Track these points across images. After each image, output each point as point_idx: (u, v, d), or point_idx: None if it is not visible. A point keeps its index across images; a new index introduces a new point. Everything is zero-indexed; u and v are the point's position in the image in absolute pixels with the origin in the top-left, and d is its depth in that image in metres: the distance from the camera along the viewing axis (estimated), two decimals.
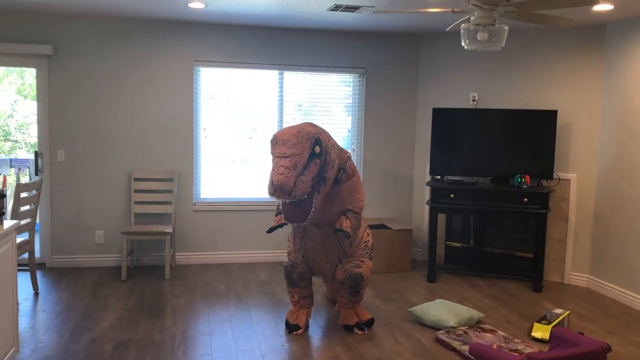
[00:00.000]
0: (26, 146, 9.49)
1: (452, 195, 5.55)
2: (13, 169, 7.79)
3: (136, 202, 5.83)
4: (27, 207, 4.77)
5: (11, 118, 9.61)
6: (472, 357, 3.46)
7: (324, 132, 3.87)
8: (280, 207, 3.75)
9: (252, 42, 6.04)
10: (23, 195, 4.63)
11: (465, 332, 4.20)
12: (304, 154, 3.60)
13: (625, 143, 5.13)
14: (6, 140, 9.62)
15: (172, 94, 5.92)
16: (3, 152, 9.41)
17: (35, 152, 5.73)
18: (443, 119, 5.80)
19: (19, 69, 9.06)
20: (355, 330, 4.24)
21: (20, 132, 9.68)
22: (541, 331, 4.18)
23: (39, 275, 5.40)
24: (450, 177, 5.83)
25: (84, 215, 5.83)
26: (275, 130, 6.22)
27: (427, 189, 6.16)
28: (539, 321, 4.28)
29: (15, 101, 9.61)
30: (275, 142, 3.69)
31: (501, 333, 4.23)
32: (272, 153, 3.71)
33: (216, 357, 3.78)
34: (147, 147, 5.91)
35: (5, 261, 3.28)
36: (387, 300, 5.06)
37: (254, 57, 6.06)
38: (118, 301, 4.82)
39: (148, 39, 5.81)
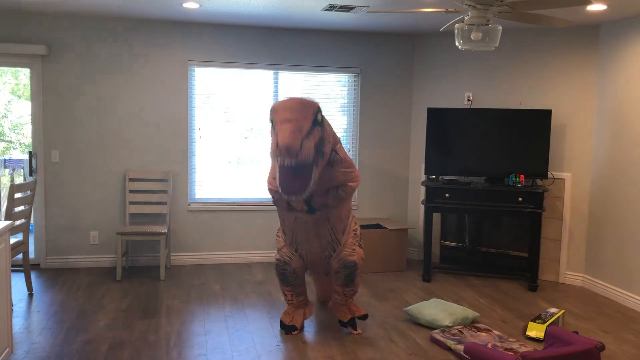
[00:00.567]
0: (20, 146, 9.46)
1: (447, 195, 5.56)
2: (7, 170, 7.75)
3: (131, 203, 5.82)
4: (21, 208, 4.75)
5: (5, 118, 9.58)
6: (467, 356, 3.46)
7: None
8: (277, 181, 3.55)
9: (247, 42, 6.04)
10: (17, 195, 4.61)
11: (460, 332, 4.21)
12: (307, 119, 3.50)
13: (620, 142, 5.15)
14: (0, 140, 9.59)
15: (166, 94, 5.91)
16: None
17: (30, 153, 5.72)
18: (438, 118, 5.81)
19: (13, 69, 9.02)
20: (350, 329, 4.23)
21: (14, 132, 9.64)
22: (536, 330, 4.20)
23: (33, 276, 5.38)
24: (445, 177, 5.84)
25: (79, 216, 5.81)
26: (269, 130, 6.21)
27: (422, 189, 6.17)
28: (533, 320, 4.30)
29: (9, 101, 9.57)
30: (277, 109, 3.57)
31: (496, 332, 4.24)
32: (273, 120, 3.56)
33: (211, 357, 3.77)
34: (142, 148, 5.89)
35: (0, 262, 3.27)
36: (382, 299, 5.07)
37: (249, 57, 6.05)
38: (113, 302, 4.81)
39: (142, 39, 5.80)
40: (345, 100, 6.40)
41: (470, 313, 4.50)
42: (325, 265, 4.23)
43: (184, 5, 4.94)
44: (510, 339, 4.10)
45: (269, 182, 4.01)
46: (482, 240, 6.17)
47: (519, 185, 5.41)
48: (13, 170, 7.72)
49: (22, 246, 4.80)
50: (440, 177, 5.83)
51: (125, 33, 5.76)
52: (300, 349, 3.95)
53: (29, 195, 4.86)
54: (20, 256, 4.87)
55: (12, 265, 5.15)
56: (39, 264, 5.77)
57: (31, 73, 5.64)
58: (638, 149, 4.94)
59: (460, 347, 3.87)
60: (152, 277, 5.57)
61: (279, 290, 5.20)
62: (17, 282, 5.10)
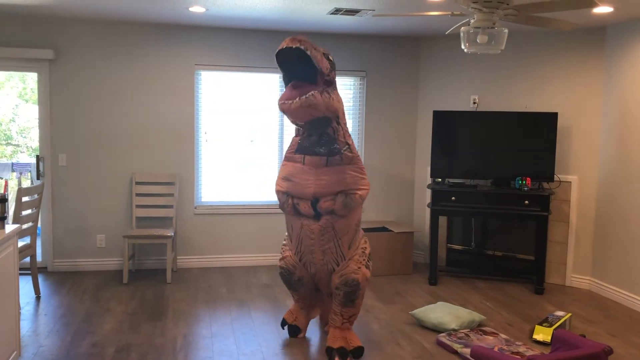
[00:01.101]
0: (27, 150, 9.51)
1: (453, 198, 5.55)
2: (15, 173, 7.80)
3: (137, 206, 5.84)
4: (28, 211, 4.77)
5: (13, 122, 9.63)
6: None
7: None
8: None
9: (252, 46, 6.05)
10: (25, 199, 4.64)
11: (467, 335, 4.20)
12: (318, 47, 3.56)
13: (626, 145, 5.13)
14: (7, 144, 9.64)
15: (173, 98, 5.93)
16: (4, 156, 9.42)
17: (37, 156, 5.75)
18: (444, 121, 5.81)
19: (20, 73, 9.07)
20: (335, 356, 3.76)
21: (21, 136, 9.70)
22: (543, 334, 4.18)
23: (40, 279, 5.41)
24: (451, 180, 5.83)
25: (86, 219, 5.84)
26: (275, 134, 6.23)
27: (428, 192, 6.17)
28: (540, 324, 4.28)
29: (16, 105, 9.63)
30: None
31: (503, 336, 4.22)
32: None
33: None
34: (149, 151, 5.92)
35: (7, 265, 3.29)
36: (388, 302, 5.06)
37: (255, 60, 6.07)
38: (119, 305, 4.82)
39: (149, 43, 5.83)
40: (351, 104, 6.41)
41: (477, 316, 4.49)
42: (328, 280, 3.95)
43: (190, 9, 4.96)
44: (517, 343, 4.09)
45: (277, 184, 3.91)
46: (488, 243, 6.15)
47: (525, 188, 5.40)
48: (20, 173, 7.77)
49: (29, 249, 4.82)
50: (446, 180, 5.82)
51: (132, 37, 5.79)
52: (306, 352, 3.95)
53: (36, 198, 4.88)
54: (27, 259, 4.89)
55: (20, 269, 5.18)
56: (46, 267, 5.79)
57: (39, 77, 5.67)
58: None
59: (467, 351, 3.86)
60: (159, 280, 5.59)
61: (286, 293, 5.20)
62: (25, 286, 5.12)
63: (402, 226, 6.23)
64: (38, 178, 5.72)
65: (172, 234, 5.51)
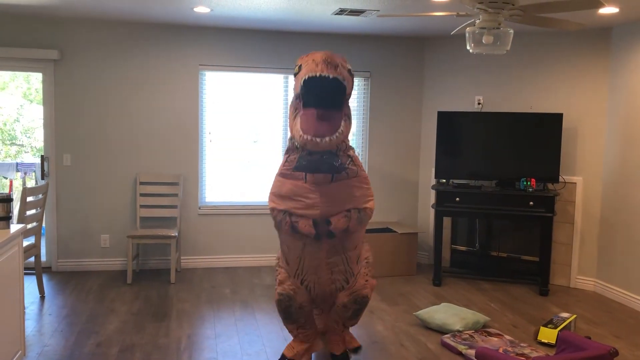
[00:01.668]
0: (32, 150, 9.53)
1: (457, 199, 5.54)
2: (19, 173, 7.82)
3: (142, 206, 5.84)
4: (33, 211, 4.78)
5: (17, 122, 9.66)
6: None
7: None
8: (299, 128, 3.14)
9: (257, 46, 6.05)
10: (29, 199, 4.65)
11: (471, 336, 4.19)
12: (343, 62, 3.26)
13: (632, 146, 5.11)
14: (12, 144, 9.67)
15: (177, 98, 5.93)
16: (9, 156, 9.45)
17: (42, 156, 5.76)
18: (448, 122, 5.80)
19: (25, 73, 9.10)
20: None
21: (26, 136, 9.72)
22: (547, 335, 4.17)
23: (45, 279, 5.41)
24: (456, 181, 5.81)
25: (90, 219, 5.85)
26: (280, 134, 6.23)
27: (433, 193, 6.15)
28: (545, 325, 4.27)
29: (21, 105, 9.65)
30: (310, 54, 3.28)
31: (507, 337, 4.21)
32: (302, 63, 3.25)
33: None
34: (153, 151, 5.92)
35: (12, 265, 3.29)
36: (392, 303, 5.05)
37: (259, 61, 6.07)
38: (124, 305, 4.82)
39: (153, 43, 5.83)
40: (355, 104, 6.40)
41: (481, 317, 4.48)
42: (331, 299, 3.64)
43: (195, 9, 4.96)
44: (521, 344, 4.07)
45: (272, 201, 3.50)
46: (492, 245, 6.14)
47: (530, 189, 5.38)
48: (25, 173, 7.79)
49: (34, 249, 4.83)
50: (451, 180, 5.81)
51: (136, 37, 5.79)
52: None
53: (40, 198, 4.89)
54: (32, 259, 4.90)
55: (24, 268, 5.18)
56: (50, 267, 5.80)
57: (43, 77, 5.68)
58: None
59: (472, 352, 3.85)
60: (163, 280, 5.59)
61: None
62: (29, 285, 5.13)
63: (406, 227, 6.22)
64: (43, 178, 5.73)
65: (176, 234, 5.51)
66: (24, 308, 3.57)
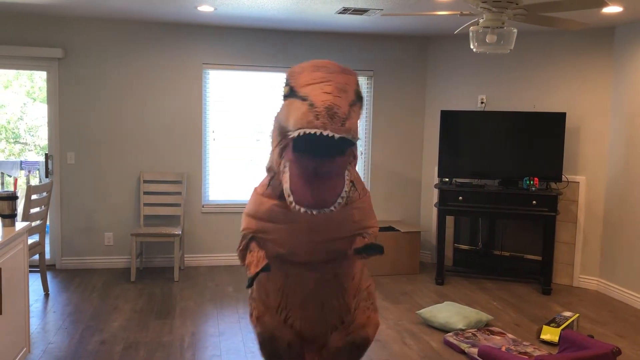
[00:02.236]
0: (35, 148, 9.56)
1: (460, 198, 5.54)
2: (23, 171, 7.85)
3: (145, 204, 5.86)
4: (37, 209, 4.80)
5: (21, 121, 9.69)
6: (481, 359, 3.45)
7: None
8: (289, 187, 2.23)
9: (260, 45, 6.06)
10: (33, 197, 4.67)
11: (474, 335, 4.19)
12: (350, 85, 2.25)
13: (635, 146, 5.11)
14: (16, 142, 9.70)
15: (181, 97, 5.95)
16: (13, 154, 9.48)
17: (46, 155, 5.78)
18: (451, 121, 5.80)
19: (28, 72, 9.12)
20: None
21: (29, 134, 9.75)
22: (550, 334, 4.17)
23: (49, 276, 5.43)
24: (459, 180, 5.82)
25: (94, 217, 5.87)
26: None
27: (436, 192, 6.16)
28: (548, 324, 4.27)
29: (24, 104, 9.68)
30: (304, 68, 2.31)
31: (510, 336, 4.22)
32: (293, 86, 2.28)
33: (225, 358, 3.79)
34: (156, 150, 5.94)
35: (18, 262, 3.31)
36: (395, 302, 5.06)
37: (263, 59, 6.08)
38: (127, 303, 4.84)
39: (157, 42, 5.85)
40: None
41: (484, 316, 4.49)
42: (322, 339, 2.91)
43: (199, 8, 4.97)
44: (524, 343, 4.08)
45: (245, 220, 2.75)
46: (495, 244, 6.14)
47: (533, 189, 5.38)
48: (29, 172, 7.81)
49: (38, 247, 4.85)
50: (454, 179, 5.81)
51: (140, 36, 5.81)
52: None
53: (45, 196, 4.91)
54: (36, 257, 4.92)
55: (29, 266, 5.20)
56: (54, 265, 5.83)
57: (48, 76, 5.70)
58: None
59: (474, 350, 3.86)
60: (166, 278, 5.61)
61: None
62: (33, 283, 5.15)
63: (409, 226, 6.23)
64: (47, 176, 5.75)
65: (180, 232, 5.53)
66: (28, 305, 3.58)
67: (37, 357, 3.71)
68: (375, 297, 3.08)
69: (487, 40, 3.58)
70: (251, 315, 3.00)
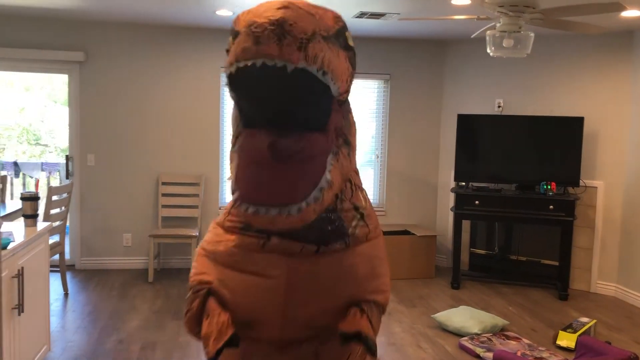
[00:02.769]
0: (55, 150, 9.71)
1: (476, 202, 5.53)
2: (44, 173, 7.97)
3: (163, 206, 5.93)
4: (57, 210, 4.88)
5: (41, 123, 9.84)
6: None
7: None
8: (234, 180, 1.68)
9: None
10: (54, 198, 4.75)
11: (490, 339, 4.18)
12: (327, 17, 1.72)
13: None
14: (37, 144, 9.85)
15: (199, 100, 6.01)
16: (34, 156, 9.63)
17: (66, 156, 5.87)
18: (468, 125, 5.79)
19: (49, 75, 9.27)
20: None
21: (50, 136, 9.90)
22: (567, 339, 4.15)
23: (68, 276, 5.51)
24: (475, 184, 5.81)
25: (113, 218, 5.94)
26: None
27: (452, 196, 6.15)
28: (564, 329, 4.24)
29: (45, 106, 9.83)
30: (252, 9, 1.58)
31: (526, 341, 4.20)
32: (239, 28, 1.57)
33: None
34: (175, 152, 6.00)
35: (39, 261, 3.37)
36: (410, 306, 5.07)
37: None
38: (145, 303, 4.90)
39: (176, 45, 5.92)
40: (375, 107, 6.43)
41: (500, 321, 4.47)
42: None
43: (217, 12, 5.03)
44: (540, 348, 4.06)
45: (198, 263, 2.04)
46: (512, 248, 6.11)
47: (550, 193, 5.35)
48: (49, 173, 7.94)
49: (58, 247, 4.93)
50: (470, 183, 5.80)
51: (160, 40, 5.88)
52: None
53: (65, 197, 4.99)
54: (56, 257, 5.00)
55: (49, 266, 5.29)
56: (73, 265, 5.91)
57: (69, 79, 5.79)
58: None
59: (490, 355, 3.85)
60: (183, 279, 5.66)
61: None
62: (53, 282, 5.23)
63: (425, 230, 6.22)
64: (67, 177, 5.84)
65: (197, 233, 5.58)
66: (49, 304, 3.65)
67: (57, 355, 3.78)
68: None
69: (504, 45, 3.59)
70: None
